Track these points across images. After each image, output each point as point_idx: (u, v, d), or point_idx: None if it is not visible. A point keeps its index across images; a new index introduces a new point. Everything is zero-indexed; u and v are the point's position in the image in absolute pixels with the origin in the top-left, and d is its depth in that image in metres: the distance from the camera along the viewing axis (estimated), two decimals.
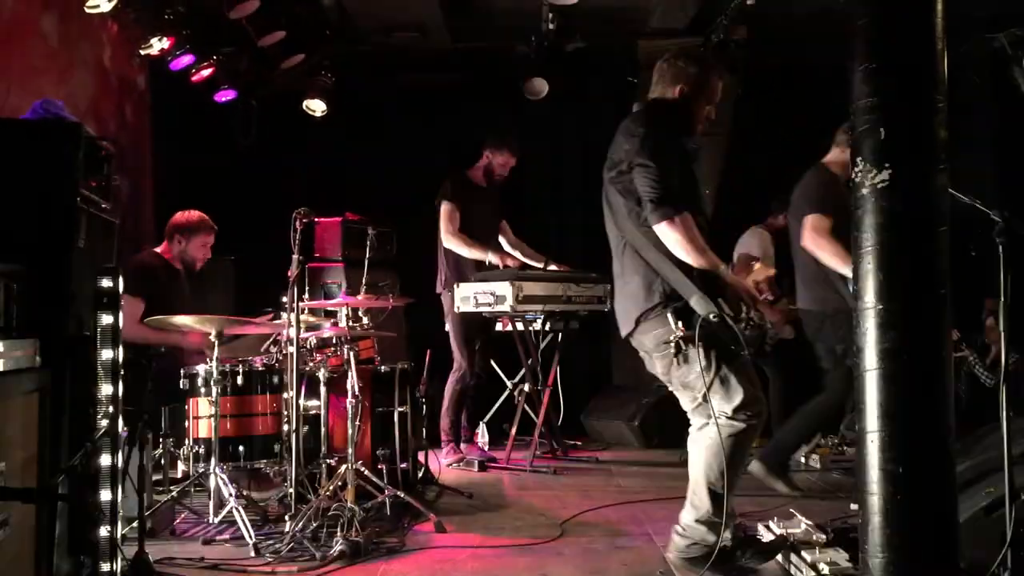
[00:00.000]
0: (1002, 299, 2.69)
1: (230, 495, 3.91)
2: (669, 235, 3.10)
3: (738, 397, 3.11)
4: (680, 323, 3.08)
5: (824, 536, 3.34)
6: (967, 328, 6.59)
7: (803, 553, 3.19)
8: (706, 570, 3.10)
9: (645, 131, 3.21)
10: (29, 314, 2.49)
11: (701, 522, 3.17)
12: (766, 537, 3.59)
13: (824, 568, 3.05)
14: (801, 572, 3.15)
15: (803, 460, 5.33)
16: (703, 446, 3.20)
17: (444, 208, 5.68)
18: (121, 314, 4.11)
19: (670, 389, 3.38)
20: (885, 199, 2.45)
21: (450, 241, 5.67)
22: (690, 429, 3.31)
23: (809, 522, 3.50)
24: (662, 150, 3.17)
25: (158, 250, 4.84)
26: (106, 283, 2.80)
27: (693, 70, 3.34)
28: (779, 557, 3.39)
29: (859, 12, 2.54)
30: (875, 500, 2.45)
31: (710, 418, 3.21)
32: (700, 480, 3.18)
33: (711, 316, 3.00)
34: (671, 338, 3.10)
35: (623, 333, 3.36)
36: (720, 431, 3.12)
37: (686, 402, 3.31)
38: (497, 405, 6.45)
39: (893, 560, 2.43)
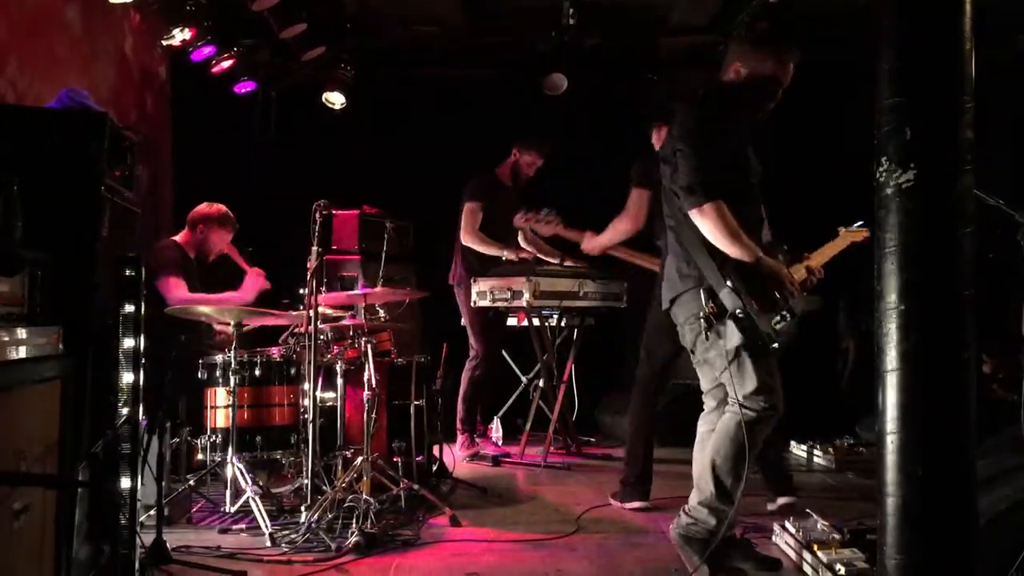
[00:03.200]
0: None
1: (246, 485, 3.93)
2: (701, 223, 3.10)
3: (751, 384, 3.12)
4: (711, 301, 3.08)
5: (840, 536, 3.34)
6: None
7: (819, 553, 3.18)
8: (703, 561, 3.13)
9: (687, 116, 3.22)
10: (53, 302, 2.51)
11: (704, 505, 3.21)
12: (781, 536, 3.59)
13: (840, 568, 3.04)
14: (818, 572, 3.15)
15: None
16: (716, 430, 3.22)
17: (467, 207, 5.73)
18: (174, 293, 4.26)
19: (694, 364, 3.40)
20: (909, 199, 2.43)
21: (468, 239, 5.73)
22: (703, 411, 3.34)
23: (825, 522, 3.49)
24: (702, 136, 3.15)
25: (176, 238, 4.88)
26: (128, 272, 2.82)
27: (749, 50, 3.29)
28: (793, 556, 3.39)
29: (885, 10, 2.52)
30: (893, 501, 2.44)
31: (721, 402, 3.24)
32: (707, 463, 3.21)
33: (737, 312, 3.00)
34: (700, 313, 3.11)
35: (663, 308, 3.43)
36: (732, 416, 3.15)
37: (705, 381, 3.37)
38: (512, 400, 6.46)
39: (910, 562, 2.42)
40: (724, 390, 3.25)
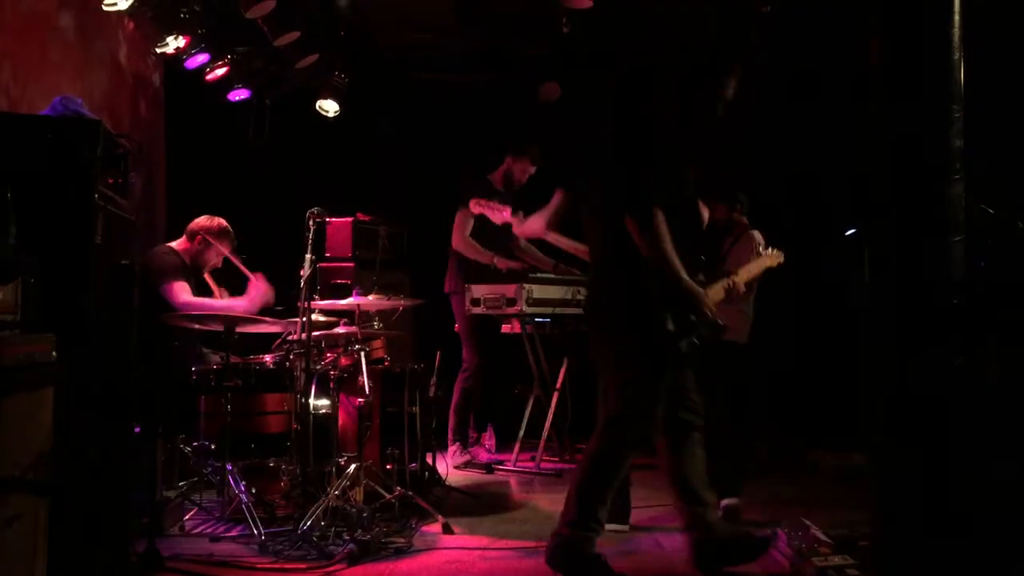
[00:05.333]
0: None
1: (239, 492, 3.92)
2: (637, 234, 3.17)
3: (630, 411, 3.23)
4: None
5: (832, 542, 3.34)
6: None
7: (812, 559, 3.19)
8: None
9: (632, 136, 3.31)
10: (46, 309, 2.51)
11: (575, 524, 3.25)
12: (773, 543, 3.61)
13: (832, 574, 3.05)
14: None
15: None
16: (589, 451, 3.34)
17: (458, 213, 5.72)
18: (182, 297, 4.29)
19: None
20: (900, 208, 2.46)
21: (459, 246, 5.73)
22: None
23: (817, 528, 3.50)
24: (648, 153, 3.23)
25: (174, 245, 4.88)
26: (121, 279, 2.82)
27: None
28: (789, 565, 3.40)
29: (874, 21, 2.54)
30: (885, 508, 2.46)
31: None
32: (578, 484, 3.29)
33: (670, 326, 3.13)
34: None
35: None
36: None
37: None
38: (505, 408, 6.45)
39: (903, 569, 2.44)
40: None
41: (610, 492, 3.24)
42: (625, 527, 4.01)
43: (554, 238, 4.60)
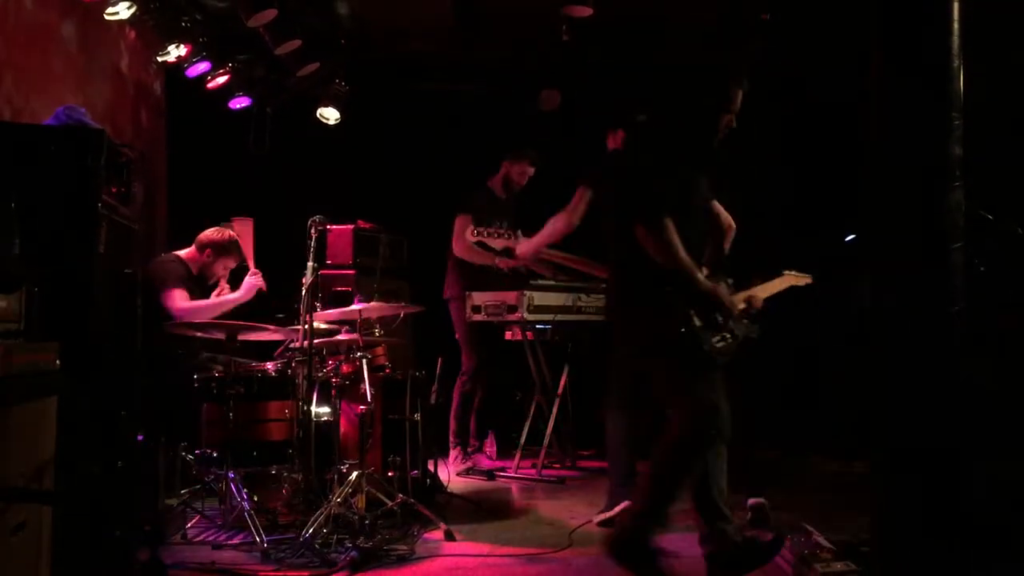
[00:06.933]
0: None
1: (241, 500, 3.93)
2: (648, 241, 3.17)
3: (696, 402, 3.16)
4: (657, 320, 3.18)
5: (834, 548, 3.35)
6: None
7: (814, 566, 3.19)
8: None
9: (645, 141, 3.38)
10: (50, 318, 2.52)
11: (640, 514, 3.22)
12: None
13: None
14: None
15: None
16: (659, 445, 3.25)
17: (458, 219, 5.72)
18: (180, 304, 4.31)
19: None
20: (900, 215, 2.47)
21: (461, 252, 5.74)
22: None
23: (819, 534, 3.50)
24: (656, 161, 3.26)
25: (181, 254, 4.89)
26: (124, 288, 2.83)
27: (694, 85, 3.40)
28: (791, 571, 3.40)
29: (875, 28, 2.55)
30: (888, 513, 2.47)
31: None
32: (651, 477, 3.25)
33: (681, 328, 3.10)
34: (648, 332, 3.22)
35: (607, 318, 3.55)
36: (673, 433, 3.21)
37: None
38: (506, 414, 6.45)
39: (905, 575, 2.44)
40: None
41: (681, 489, 3.19)
42: None
43: (547, 254, 4.63)
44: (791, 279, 4.04)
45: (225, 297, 4.82)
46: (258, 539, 3.69)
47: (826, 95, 5.99)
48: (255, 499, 4.08)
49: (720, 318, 3.21)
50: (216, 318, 4.51)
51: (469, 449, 5.85)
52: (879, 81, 2.52)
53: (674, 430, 3.20)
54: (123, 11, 4.87)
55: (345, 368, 4.49)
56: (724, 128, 3.38)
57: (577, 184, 4.43)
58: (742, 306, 3.42)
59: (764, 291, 3.72)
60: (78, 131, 2.99)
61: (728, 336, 3.20)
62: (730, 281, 3.44)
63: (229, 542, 3.87)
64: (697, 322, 3.12)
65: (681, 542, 3.60)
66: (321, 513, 3.81)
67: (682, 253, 3.14)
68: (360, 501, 3.98)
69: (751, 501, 4.17)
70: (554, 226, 4.39)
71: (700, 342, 3.11)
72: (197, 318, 4.42)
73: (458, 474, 5.51)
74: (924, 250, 2.46)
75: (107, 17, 4.90)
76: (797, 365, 6.19)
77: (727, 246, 4.17)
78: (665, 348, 3.19)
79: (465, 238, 5.67)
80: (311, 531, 3.70)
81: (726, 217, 4.24)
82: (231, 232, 4.89)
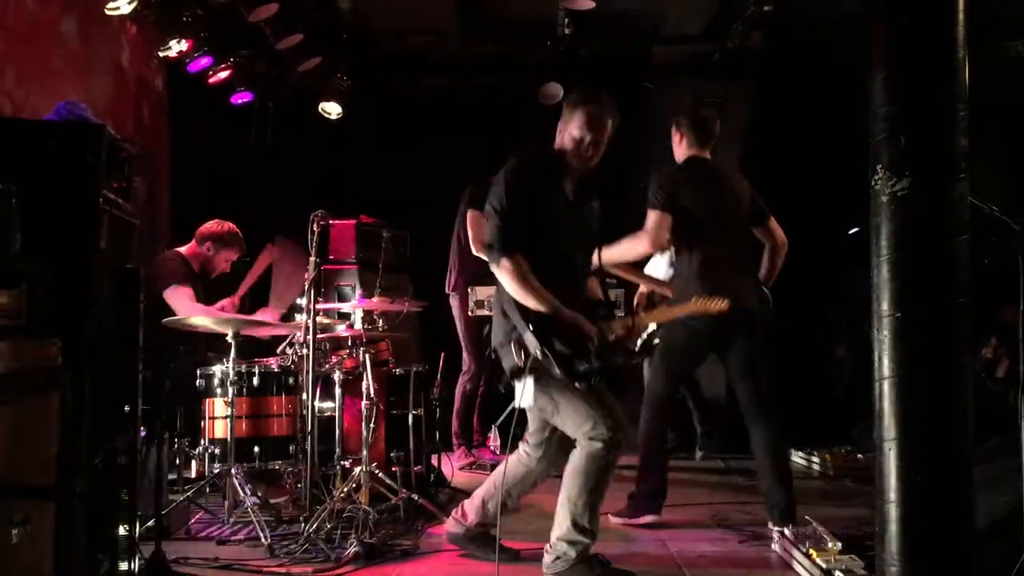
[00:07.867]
0: (1021, 308, 2.69)
1: (245, 496, 3.93)
2: (500, 277, 3.27)
3: (585, 422, 3.20)
4: (522, 353, 3.19)
5: (839, 543, 3.34)
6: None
7: (818, 560, 3.19)
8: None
9: (501, 178, 3.36)
10: (51, 314, 2.51)
11: (562, 539, 3.31)
12: (780, 543, 3.61)
13: (839, 575, 3.05)
14: None
15: None
16: (568, 467, 3.33)
17: (471, 216, 5.61)
18: (183, 302, 4.31)
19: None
20: (904, 207, 2.45)
21: (478, 248, 5.65)
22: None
23: (823, 529, 3.49)
24: (509, 199, 3.28)
25: (182, 250, 4.88)
26: (126, 284, 2.83)
27: (568, 114, 3.47)
28: (795, 565, 3.39)
29: (878, 19, 2.54)
30: (892, 508, 2.45)
31: (543, 443, 3.52)
32: (563, 499, 3.33)
33: (537, 353, 3.11)
34: (512, 367, 3.24)
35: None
36: (578, 451, 3.26)
37: (532, 424, 3.57)
38: (509, 410, 6.43)
39: (910, 568, 2.43)
40: (547, 432, 3.47)
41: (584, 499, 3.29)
42: None
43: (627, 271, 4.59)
44: (699, 305, 3.58)
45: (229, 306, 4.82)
46: (262, 534, 3.69)
47: (830, 87, 5.97)
48: (259, 494, 4.08)
49: (585, 346, 3.15)
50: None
51: (473, 446, 5.85)
52: (881, 72, 2.50)
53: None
54: (124, 6, 4.86)
55: (348, 363, 4.48)
56: (585, 152, 3.37)
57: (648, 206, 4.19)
58: (620, 332, 3.32)
59: (653, 316, 3.53)
60: (79, 126, 2.98)
61: (589, 365, 3.14)
62: (612, 303, 3.43)
63: (233, 537, 3.87)
64: (559, 348, 3.11)
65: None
66: (325, 508, 3.80)
67: (527, 288, 3.17)
68: (364, 496, 3.98)
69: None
70: (633, 246, 4.13)
71: (549, 367, 3.11)
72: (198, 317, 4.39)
73: (461, 469, 5.51)
74: (928, 243, 2.44)
75: (108, 12, 4.90)
76: (800, 357, 6.19)
77: (779, 263, 4.20)
78: (521, 374, 3.23)
79: (482, 233, 5.62)
80: (315, 526, 3.70)
81: (780, 234, 4.21)
82: (230, 224, 4.88)
